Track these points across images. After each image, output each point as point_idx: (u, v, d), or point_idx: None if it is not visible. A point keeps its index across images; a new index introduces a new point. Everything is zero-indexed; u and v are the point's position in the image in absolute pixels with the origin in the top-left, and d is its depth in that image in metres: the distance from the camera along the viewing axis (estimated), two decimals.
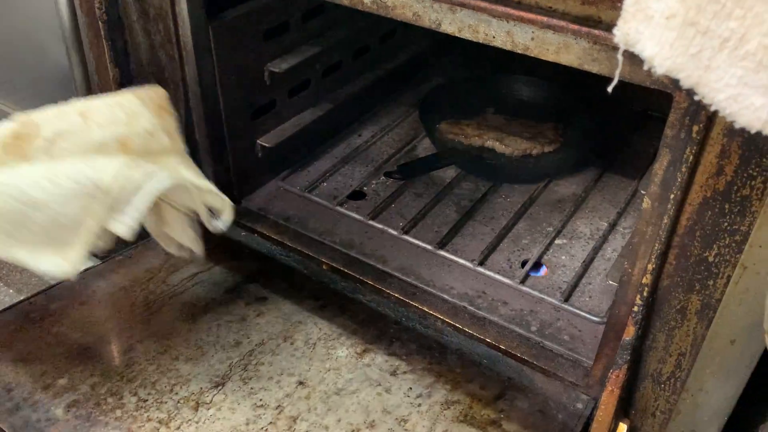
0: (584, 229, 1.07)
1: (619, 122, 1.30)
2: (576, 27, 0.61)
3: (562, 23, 0.62)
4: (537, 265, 0.99)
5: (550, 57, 0.65)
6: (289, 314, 0.89)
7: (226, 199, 0.82)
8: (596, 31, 0.61)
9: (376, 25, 1.28)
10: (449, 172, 1.18)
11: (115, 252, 0.99)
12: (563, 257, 1.01)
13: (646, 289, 0.70)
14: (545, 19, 0.63)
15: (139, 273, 0.95)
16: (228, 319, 0.88)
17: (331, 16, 1.16)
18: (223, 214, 0.82)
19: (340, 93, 1.24)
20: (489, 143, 1.17)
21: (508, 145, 1.16)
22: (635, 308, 0.71)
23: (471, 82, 1.33)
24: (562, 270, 0.99)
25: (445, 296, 0.93)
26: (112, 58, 1.00)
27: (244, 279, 0.95)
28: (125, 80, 1.03)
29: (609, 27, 0.60)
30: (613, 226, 1.07)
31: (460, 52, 1.48)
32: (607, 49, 0.61)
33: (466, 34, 0.68)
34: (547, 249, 1.02)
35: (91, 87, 1.05)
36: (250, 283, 0.95)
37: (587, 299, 0.94)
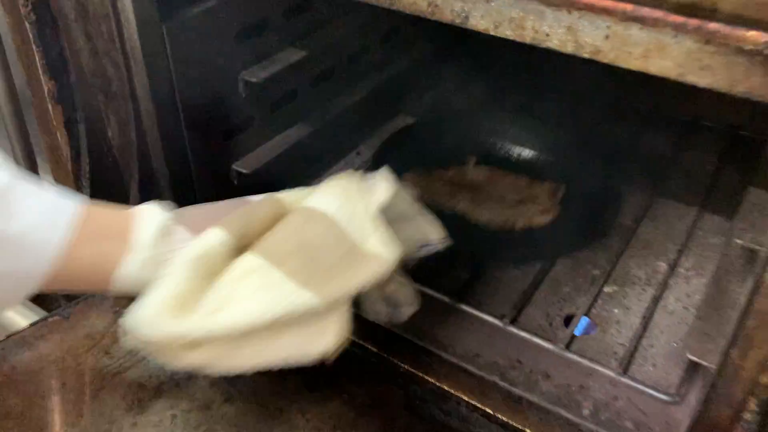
0: (638, 272, 0.86)
1: (665, 134, 1.10)
2: (679, 19, 0.41)
3: (657, 13, 0.41)
4: (583, 322, 0.79)
5: (634, 63, 0.44)
6: (266, 399, 0.68)
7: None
8: (711, 25, 0.40)
9: (377, 22, 1.09)
10: None
11: (49, 311, 0.79)
12: (615, 310, 0.81)
13: (765, 391, 0.49)
14: (629, 7, 0.42)
15: (77, 340, 0.74)
16: (186, 407, 0.68)
17: (321, 13, 0.96)
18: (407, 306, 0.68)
19: (333, 105, 1.04)
20: (460, 206, 0.90)
21: (484, 212, 0.89)
22: (747, 415, 0.51)
23: (451, 119, 1.08)
24: (616, 328, 0.79)
25: (469, 367, 0.73)
26: (46, 68, 0.80)
27: None
28: (65, 95, 0.83)
29: (731, 19, 0.40)
30: (673, 268, 0.86)
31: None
32: (726, 53, 0.41)
33: (507, 32, 0.48)
34: (595, 300, 0.82)
35: (19, 105, 0.85)
36: None
37: (650, 368, 0.74)
